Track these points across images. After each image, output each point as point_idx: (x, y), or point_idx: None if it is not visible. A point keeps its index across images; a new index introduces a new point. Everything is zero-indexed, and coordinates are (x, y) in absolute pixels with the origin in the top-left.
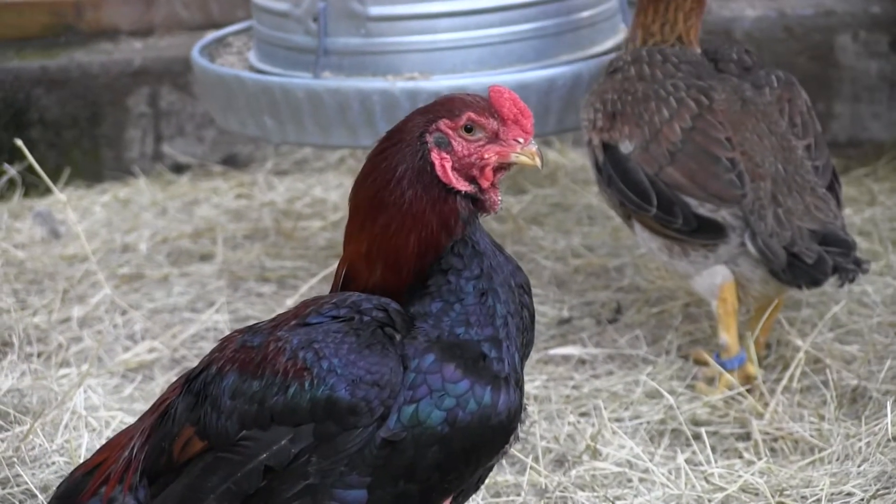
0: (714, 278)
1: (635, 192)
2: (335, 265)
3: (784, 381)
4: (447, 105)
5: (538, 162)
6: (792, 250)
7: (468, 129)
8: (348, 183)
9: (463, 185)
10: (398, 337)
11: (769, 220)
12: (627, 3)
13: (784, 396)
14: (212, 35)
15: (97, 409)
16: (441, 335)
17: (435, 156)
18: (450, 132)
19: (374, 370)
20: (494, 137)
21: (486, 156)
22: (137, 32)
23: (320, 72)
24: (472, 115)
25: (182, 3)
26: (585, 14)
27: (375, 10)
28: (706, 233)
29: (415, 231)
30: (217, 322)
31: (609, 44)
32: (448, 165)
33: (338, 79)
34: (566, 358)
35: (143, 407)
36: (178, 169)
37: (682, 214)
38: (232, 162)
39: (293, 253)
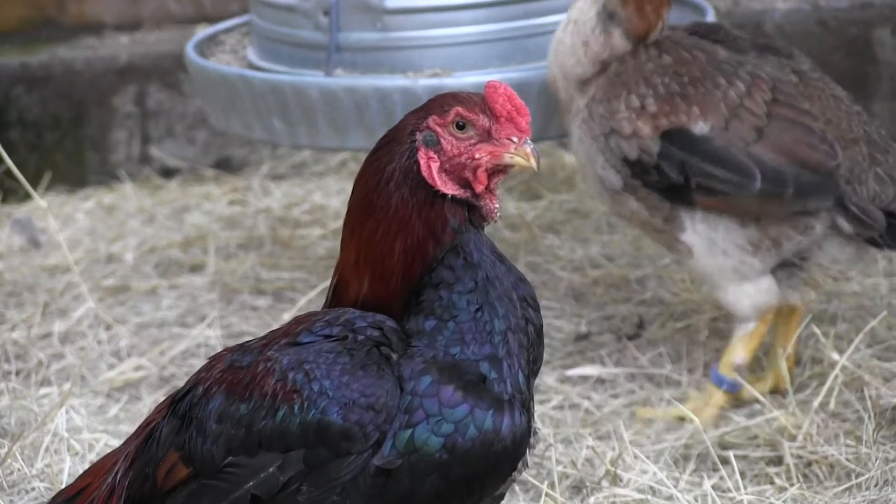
0: (769, 296)
1: (733, 170)
2: None
3: (818, 400)
4: (438, 101)
5: (533, 163)
6: (890, 209)
7: (460, 127)
8: (350, 188)
9: (451, 189)
10: (395, 357)
11: (870, 184)
12: None
13: (818, 416)
14: (204, 32)
15: (80, 431)
16: (436, 356)
17: (422, 155)
18: (439, 129)
19: (369, 392)
20: (487, 136)
21: (477, 155)
22: (124, 26)
23: (332, 69)
24: (461, 110)
25: None
26: None
27: (393, 2)
28: (817, 194)
29: (400, 237)
30: (209, 338)
31: None
32: (435, 166)
33: (354, 77)
34: (584, 377)
35: (128, 429)
36: (167, 173)
37: (792, 181)
38: (225, 165)
39: (291, 263)
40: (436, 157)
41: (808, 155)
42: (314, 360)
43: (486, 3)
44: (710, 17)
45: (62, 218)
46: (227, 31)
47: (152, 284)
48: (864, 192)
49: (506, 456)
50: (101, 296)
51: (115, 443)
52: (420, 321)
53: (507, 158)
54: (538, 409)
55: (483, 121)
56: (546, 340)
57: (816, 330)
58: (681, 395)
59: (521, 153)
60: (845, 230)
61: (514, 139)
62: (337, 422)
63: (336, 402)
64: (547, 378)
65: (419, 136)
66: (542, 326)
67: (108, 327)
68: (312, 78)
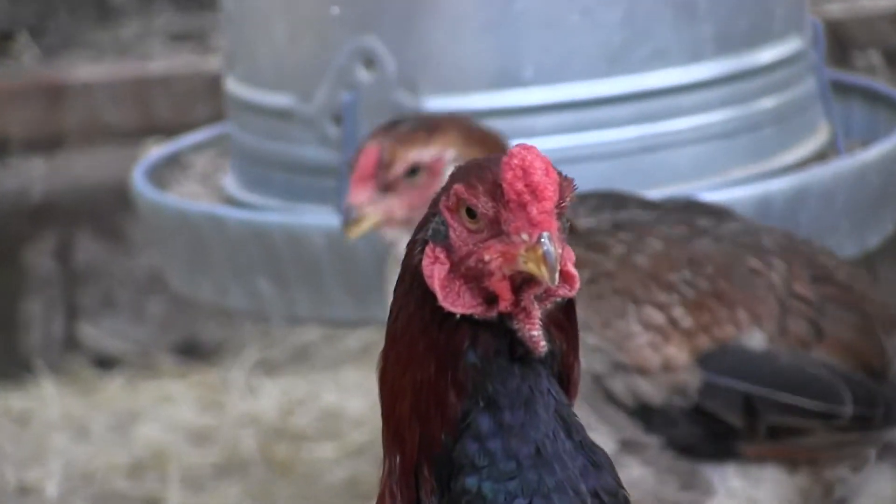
0: None
1: (817, 395)
2: None
3: None
4: (461, 168)
5: (544, 272)
6: None
7: (470, 214)
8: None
9: (463, 304)
10: None
11: None
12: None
13: None
14: (162, 150)
15: None
16: None
17: (428, 252)
18: (448, 215)
19: None
20: (497, 229)
21: (486, 257)
22: (38, 144)
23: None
24: (462, 189)
25: (109, 95)
26: (768, 103)
27: (436, 104)
28: None
29: (409, 371)
30: None
31: (804, 150)
32: (441, 270)
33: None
34: None
35: None
36: (106, 363)
37: (883, 399)
38: (192, 351)
39: (293, 494)
40: (444, 256)
41: (867, 348)
42: None
43: (573, 103)
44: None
45: None
46: (197, 147)
47: None
48: None
49: None
50: None
51: None
52: None
53: (521, 263)
54: None
55: (488, 207)
56: None
57: None
58: None
59: (530, 257)
60: None
61: (525, 236)
62: None
63: None
64: None
65: (431, 225)
66: None
67: None
68: (316, 218)
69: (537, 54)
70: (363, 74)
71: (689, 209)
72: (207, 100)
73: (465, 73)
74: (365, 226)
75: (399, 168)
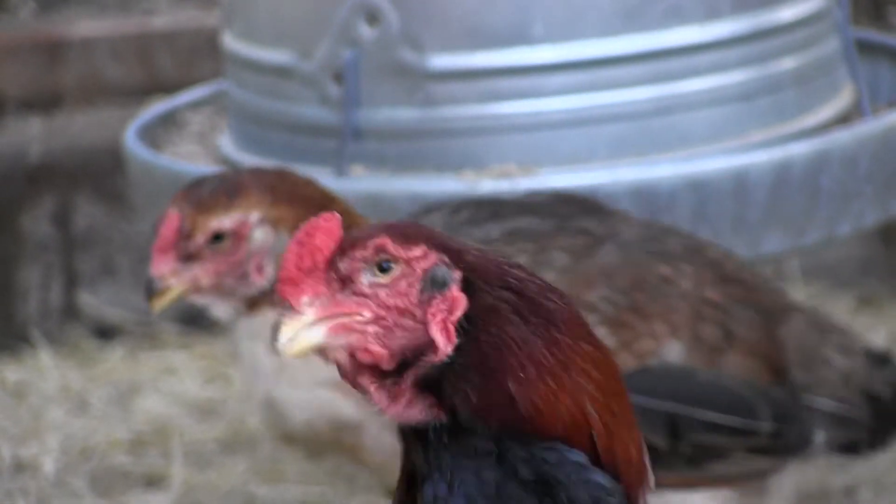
0: None
1: (736, 411)
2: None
3: None
4: None
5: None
6: (871, 389)
7: None
8: None
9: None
10: None
11: (837, 360)
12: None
13: None
14: (156, 108)
15: None
16: None
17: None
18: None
19: None
20: None
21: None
22: (36, 103)
23: (348, 166)
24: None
25: (110, 51)
26: (789, 63)
27: (441, 62)
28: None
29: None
30: None
31: (827, 112)
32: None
33: (380, 177)
34: None
35: None
36: (106, 333)
37: (803, 414)
38: (196, 320)
39: (301, 472)
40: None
41: (771, 346)
42: None
43: (586, 61)
44: None
45: None
46: (194, 105)
47: None
48: (832, 373)
49: None
50: None
51: None
52: None
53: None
54: None
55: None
56: None
57: None
58: None
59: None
60: (816, 443)
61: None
62: None
63: None
64: None
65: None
66: None
67: None
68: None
69: (548, 10)
70: (365, 30)
71: (571, 210)
72: (212, 57)
73: (472, 29)
74: (169, 297)
75: (200, 238)
